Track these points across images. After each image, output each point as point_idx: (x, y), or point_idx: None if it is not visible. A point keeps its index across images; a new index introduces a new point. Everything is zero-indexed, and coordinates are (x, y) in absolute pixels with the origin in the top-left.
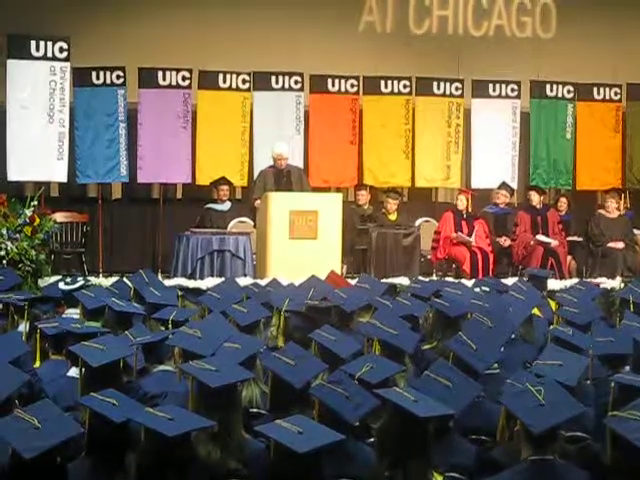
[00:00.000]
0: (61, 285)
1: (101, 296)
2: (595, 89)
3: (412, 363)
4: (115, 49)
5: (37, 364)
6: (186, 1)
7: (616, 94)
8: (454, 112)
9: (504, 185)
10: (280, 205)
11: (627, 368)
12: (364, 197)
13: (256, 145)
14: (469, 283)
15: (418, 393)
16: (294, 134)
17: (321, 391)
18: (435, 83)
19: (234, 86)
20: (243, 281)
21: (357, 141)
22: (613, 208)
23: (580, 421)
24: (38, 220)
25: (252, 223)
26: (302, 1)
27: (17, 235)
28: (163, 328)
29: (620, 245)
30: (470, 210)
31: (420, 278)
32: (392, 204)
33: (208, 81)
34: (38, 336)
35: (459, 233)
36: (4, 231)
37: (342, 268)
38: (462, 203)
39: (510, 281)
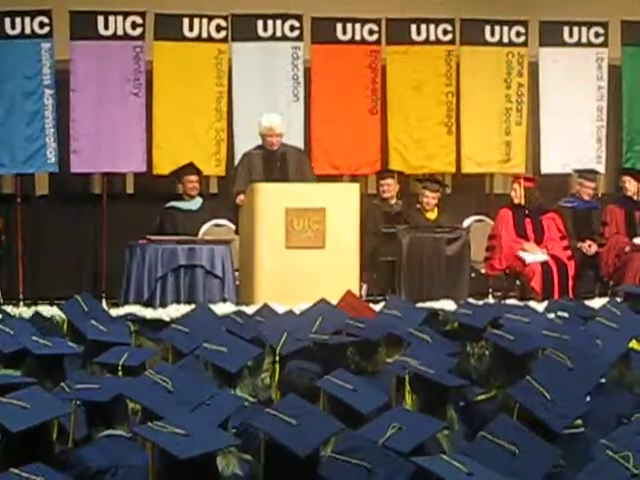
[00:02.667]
0: None
1: (21, 333)
2: None
3: (460, 420)
4: None
5: None
6: None
7: None
8: (515, 67)
9: (587, 169)
10: (273, 201)
11: None
12: (391, 188)
13: (237, 118)
14: (540, 307)
15: (472, 462)
16: (290, 101)
17: (333, 465)
18: (488, 27)
19: (205, 35)
20: (222, 308)
21: (379, 110)
22: None
23: None
24: None
25: (233, 227)
26: None
27: None
28: (110, 376)
29: None
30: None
31: (471, 301)
32: (430, 198)
33: (168, 29)
34: None
35: None
36: None
37: (361, 288)
38: (516, 194)
39: (598, 303)
